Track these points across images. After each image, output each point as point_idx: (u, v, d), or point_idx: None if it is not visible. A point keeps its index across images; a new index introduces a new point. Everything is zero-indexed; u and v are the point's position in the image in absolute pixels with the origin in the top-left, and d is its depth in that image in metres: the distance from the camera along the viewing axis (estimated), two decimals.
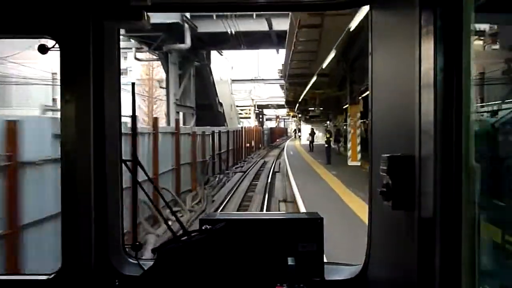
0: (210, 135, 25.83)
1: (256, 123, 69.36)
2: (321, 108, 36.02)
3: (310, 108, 43.17)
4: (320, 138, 52.33)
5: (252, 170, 30.76)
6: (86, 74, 2.12)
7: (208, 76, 28.56)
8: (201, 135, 22.91)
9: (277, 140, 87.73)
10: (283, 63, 32.77)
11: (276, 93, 71.39)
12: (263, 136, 71.22)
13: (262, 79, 56.82)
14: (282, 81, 49.68)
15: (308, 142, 49.16)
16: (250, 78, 56.89)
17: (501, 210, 2.22)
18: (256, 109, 69.89)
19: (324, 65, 21.79)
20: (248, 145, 47.53)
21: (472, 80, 1.35)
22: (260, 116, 78.75)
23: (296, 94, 37.64)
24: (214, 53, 32.49)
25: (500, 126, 2.36)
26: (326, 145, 28.15)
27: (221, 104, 34.09)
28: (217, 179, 23.66)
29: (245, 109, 69.22)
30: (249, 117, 67.22)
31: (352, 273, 2.22)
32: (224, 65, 40.81)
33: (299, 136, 68.67)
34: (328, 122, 45.77)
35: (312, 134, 39.80)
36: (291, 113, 62.46)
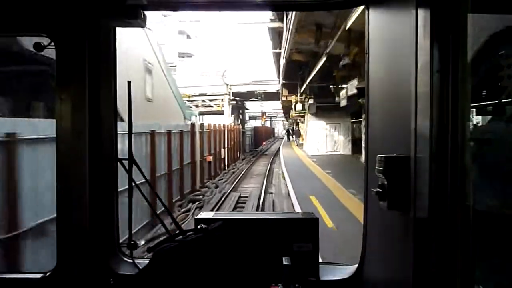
0: None
1: (233, 120, 46.45)
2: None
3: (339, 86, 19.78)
4: (341, 145, 29.98)
5: None
6: (82, 73, 2.13)
7: None
8: None
9: (264, 143, 67.26)
10: None
11: (262, 76, 48.72)
12: (243, 139, 48.80)
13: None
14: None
15: (319, 151, 27.35)
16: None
17: (496, 210, 2.20)
18: (234, 100, 46.49)
19: None
20: (210, 159, 25.27)
21: (468, 80, 1.36)
22: (240, 111, 55.56)
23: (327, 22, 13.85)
24: None
25: (496, 127, 2.30)
26: None
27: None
28: None
29: (216, 100, 46.12)
30: (222, 112, 44.20)
31: (347, 273, 2.24)
32: None
33: (296, 140, 46.00)
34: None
35: None
36: (293, 99, 36.44)
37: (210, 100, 46.03)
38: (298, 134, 45.35)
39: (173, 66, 54.48)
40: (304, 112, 33.06)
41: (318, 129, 29.75)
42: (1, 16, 2.09)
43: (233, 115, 48.32)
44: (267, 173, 30.24)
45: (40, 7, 2.08)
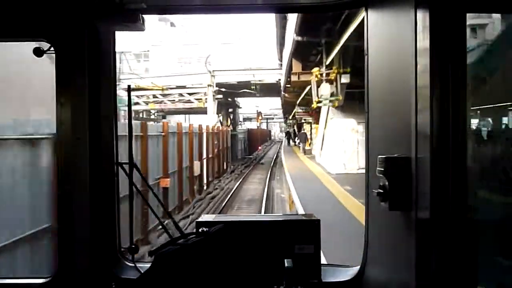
0: None
1: (219, 119, 35.60)
2: None
3: None
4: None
5: None
6: (81, 77, 2.15)
7: None
8: None
9: (259, 147, 57.50)
10: None
11: (258, 64, 37.96)
12: (234, 144, 38.38)
13: None
14: None
15: (346, 168, 17.31)
16: None
17: (496, 209, 2.11)
18: (220, 93, 35.67)
19: None
20: (167, 183, 14.56)
21: (467, 81, 1.36)
22: (230, 109, 44.64)
23: None
24: None
25: (495, 127, 2.28)
26: None
27: None
28: None
29: (198, 93, 35.26)
30: (205, 110, 33.36)
31: (349, 274, 2.22)
32: None
33: (302, 146, 35.35)
34: None
35: None
36: (316, 73, 19.00)
37: (190, 94, 35.25)
38: (304, 138, 34.65)
39: (144, 51, 44.16)
40: (322, 103, 20.25)
41: (345, 131, 18.62)
42: (0, 22, 2.11)
43: (220, 114, 37.74)
44: (264, 198, 19.76)
45: (39, 12, 2.10)
